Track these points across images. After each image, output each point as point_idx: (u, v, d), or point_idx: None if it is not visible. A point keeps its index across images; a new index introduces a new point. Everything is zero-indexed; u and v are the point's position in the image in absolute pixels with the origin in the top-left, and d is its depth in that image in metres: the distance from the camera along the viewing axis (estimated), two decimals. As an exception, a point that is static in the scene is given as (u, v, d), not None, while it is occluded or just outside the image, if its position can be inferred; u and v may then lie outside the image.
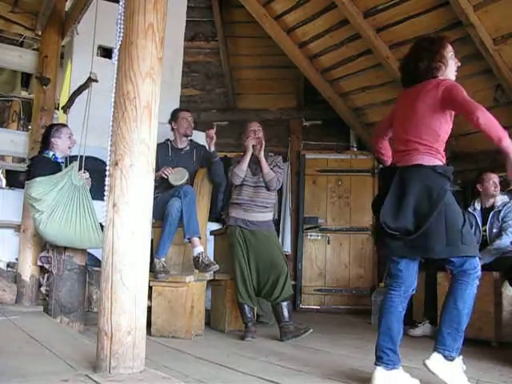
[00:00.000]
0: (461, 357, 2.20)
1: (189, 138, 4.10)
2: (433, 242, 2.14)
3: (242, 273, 3.74)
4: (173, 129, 4.06)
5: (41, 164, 3.49)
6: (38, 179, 3.26)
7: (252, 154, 3.82)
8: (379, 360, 2.18)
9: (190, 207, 3.58)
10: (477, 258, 2.19)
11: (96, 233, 3.32)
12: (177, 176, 3.77)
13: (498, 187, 4.00)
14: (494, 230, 3.87)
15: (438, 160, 2.22)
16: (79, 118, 3.45)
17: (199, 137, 4.74)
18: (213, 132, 3.84)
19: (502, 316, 3.56)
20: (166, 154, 3.92)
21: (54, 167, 3.45)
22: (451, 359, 2.13)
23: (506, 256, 3.68)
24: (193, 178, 3.99)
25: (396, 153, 2.38)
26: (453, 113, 2.24)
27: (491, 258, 3.67)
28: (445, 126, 2.23)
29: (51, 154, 3.57)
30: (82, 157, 3.33)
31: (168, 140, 4.06)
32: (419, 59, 2.34)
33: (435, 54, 2.33)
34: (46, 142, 3.61)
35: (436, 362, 2.12)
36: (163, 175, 3.73)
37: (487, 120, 2.05)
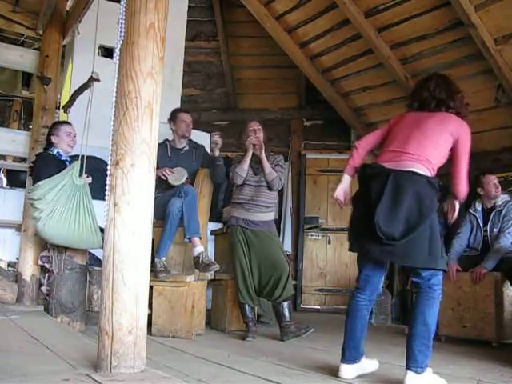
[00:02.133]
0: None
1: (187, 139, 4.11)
2: (416, 251, 2.21)
3: (243, 272, 3.74)
4: (171, 129, 4.06)
5: (45, 161, 3.47)
6: (40, 183, 3.25)
7: (253, 154, 3.82)
8: (344, 357, 2.38)
9: (191, 207, 3.58)
10: (441, 276, 2.30)
11: (94, 233, 3.32)
12: (176, 176, 3.77)
13: (499, 188, 3.98)
14: (495, 230, 3.86)
15: (429, 172, 2.31)
16: (80, 117, 3.45)
17: (200, 136, 4.74)
18: (218, 138, 3.83)
19: (503, 316, 3.56)
20: (165, 154, 3.91)
21: (58, 165, 3.44)
22: (422, 371, 2.19)
23: (507, 256, 3.67)
24: (193, 177, 3.99)
25: (388, 150, 2.39)
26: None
27: (494, 264, 3.66)
28: (444, 158, 2.39)
29: (55, 151, 3.56)
30: (83, 156, 3.32)
31: (167, 140, 4.06)
32: (454, 92, 2.49)
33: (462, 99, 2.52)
34: (48, 140, 3.61)
35: (412, 381, 2.17)
36: (162, 176, 3.73)
37: (464, 186, 2.38)
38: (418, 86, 2.59)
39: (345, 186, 2.55)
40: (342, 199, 2.57)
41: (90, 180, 3.43)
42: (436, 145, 2.33)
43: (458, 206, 2.46)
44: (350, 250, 2.50)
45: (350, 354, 2.38)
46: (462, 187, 2.38)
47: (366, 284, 2.44)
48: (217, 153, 3.86)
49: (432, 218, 2.24)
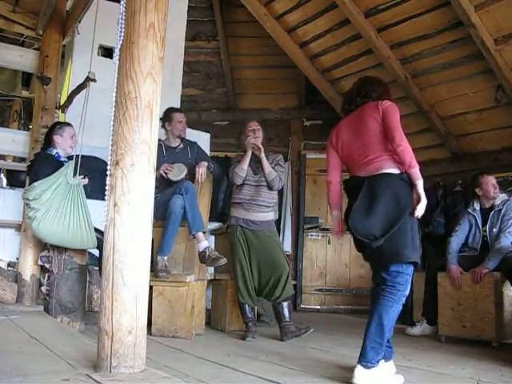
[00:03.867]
0: (382, 360, 2.29)
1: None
2: (400, 246, 2.26)
3: (243, 272, 3.74)
4: (165, 128, 4.03)
5: (43, 161, 3.47)
6: (36, 184, 3.25)
7: (253, 154, 3.82)
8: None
9: (193, 203, 3.57)
10: (409, 276, 2.31)
11: (89, 233, 3.32)
12: (175, 172, 3.78)
13: (497, 188, 3.98)
14: (494, 230, 3.86)
15: (398, 167, 2.34)
16: (77, 117, 3.44)
17: (200, 136, 4.75)
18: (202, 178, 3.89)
19: (503, 316, 3.56)
20: (160, 154, 3.89)
21: (56, 165, 3.43)
22: (372, 366, 2.22)
23: (507, 256, 3.67)
24: (192, 173, 3.98)
25: (355, 165, 2.47)
26: None
27: (495, 264, 3.66)
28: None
29: (54, 151, 3.55)
30: (78, 156, 3.32)
31: (160, 140, 4.03)
32: (363, 85, 2.58)
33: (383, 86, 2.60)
34: (48, 139, 3.60)
35: (360, 375, 2.21)
36: (163, 174, 3.73)
37: (407, 149, 2.29)
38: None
39: (337, 221, 2.63)
40: (339, 233, 2.65)
41: (86, 181, 3.43)
42: (383, 140, 2.37)
43: (422, 194, 2.30)
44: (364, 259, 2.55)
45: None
46: (407, 158, 2.28)
47: (377, 285, 2.43)
48: (205, 164, 3.93)
49: (409, 213, 2.28)
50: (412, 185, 2.31)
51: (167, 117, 4.01)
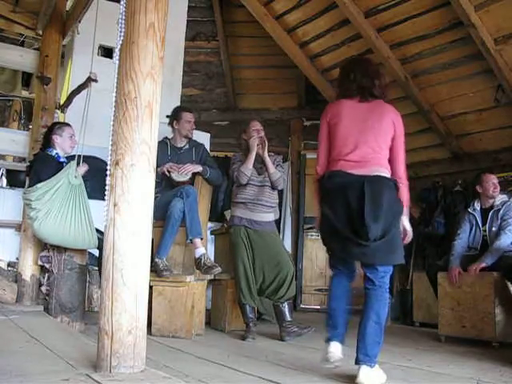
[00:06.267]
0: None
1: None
2: (394, 248, 2.34)
3: (246, 273, 3.72)
4: (173, 127, 4.02)
5: (44, 162, 3.46)
6: (38, 185, 3.25)
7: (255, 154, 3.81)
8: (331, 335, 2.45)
9: (193, 208, 3.57)
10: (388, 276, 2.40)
11: (90, 233, 3.33)
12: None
13: (498, 188, 3.98)
14: (494, 229, 3.87)
15: (389, 173, 2.40)
16: (77, 117, 3.45)
17: (199, 136, 4.75)
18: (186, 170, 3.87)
19: (503, 316, 3.55)
20: (164, 152, 3.89)
21: (56, 166, 3.43)
22: (374, 365, 2.25)
23: (507, 256, 3.67)
24: (194, 176, 3.98)
25: (341, 156, 2.44)
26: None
27: (493, 260, 3.67)
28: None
29: (54, 152, 3.54)
30: (80, 156, 3.32)
31: (166, 138, 4.03)
32: (376, 77, 2.51)
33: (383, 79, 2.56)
34: (47, 139, 3.59)
35: (367, 375, 2.21)
36: (166, 172, 3.72)
37: (407, 188, 2.41)
38: (340, 75, 2.65)
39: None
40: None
41: (86, 167, 3.42)
42: (387, 144, 2.42)
43: (408, 226, 2.44)
44: (331, 256, 2.61)
45: (336, 332, 2.47)
46: (405, 196, 2.41)
47: (341, 272, 2.61)
48: (198, 169, 3.89)
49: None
50: (398, 191, 2.38)
51: (176, 115, 3.99)
